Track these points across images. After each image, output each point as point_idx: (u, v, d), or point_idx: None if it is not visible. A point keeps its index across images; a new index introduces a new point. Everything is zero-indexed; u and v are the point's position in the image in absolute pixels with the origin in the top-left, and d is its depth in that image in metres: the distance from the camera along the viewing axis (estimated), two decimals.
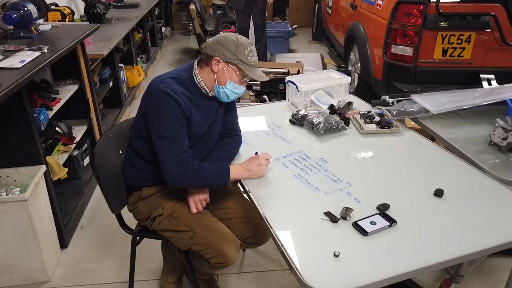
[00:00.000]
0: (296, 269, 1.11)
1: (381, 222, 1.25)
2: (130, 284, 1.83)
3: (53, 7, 3.23)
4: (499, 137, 1.70)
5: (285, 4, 7.15)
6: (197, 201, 1.55)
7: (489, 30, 2.87)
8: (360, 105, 2.15)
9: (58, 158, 2.30)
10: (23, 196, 1.82)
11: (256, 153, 1.55)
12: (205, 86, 1.53)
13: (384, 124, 1.86)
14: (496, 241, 1.20)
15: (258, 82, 3.35)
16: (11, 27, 2.37)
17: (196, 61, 1.56)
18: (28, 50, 2.10)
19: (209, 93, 1.55)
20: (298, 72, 3.61)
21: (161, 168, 1.47)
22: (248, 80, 1.56)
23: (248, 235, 1.63)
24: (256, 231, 1.64)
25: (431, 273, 2.06)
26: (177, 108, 1.44)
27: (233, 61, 1.47)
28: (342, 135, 1.85)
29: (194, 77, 1.53)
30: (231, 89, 1.52)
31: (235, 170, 1.51)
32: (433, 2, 2.81)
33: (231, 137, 1.69)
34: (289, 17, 7.02)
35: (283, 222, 1.30)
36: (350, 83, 3.99)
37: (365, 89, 3.69)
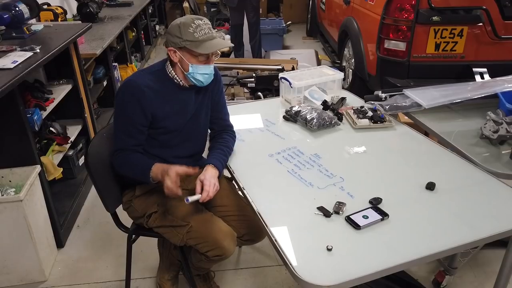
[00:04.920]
0: (290, 264, 1.12)
1: (373, 215, 1.27)
2: (126, 282, 1.83)
3: (45, 6, 3.21)
4: (490, 130, 1.71)
5: (279, 0, 7.14)
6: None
7: (481, 24, 2.88)
8: (353, 101, 2.16)
9: (52, 158, 2.30)
10: (18, 197, 1.82)
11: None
12: (176, 76, 1.54)
13: (377, 119, 1.87)
14: (487, 233, 1.22)
15: (253, 79, 3.34)
16: (2, 27, 2.36)
17: None
18: (20, 51, 2.09)
19: (181, 83, 1.55)
20: (293, 69, 3.60)
21: None
22: (213, 55, 1.51)
23: (244, 232, 1.64)
24: (252, 228, 1.64)
25: (425, 265, 2.08)
26: (136, 103, 1.46)
27: (182, 44, 1.45)
28: (336, 130, 1.86)
29: (166, 68, 1.55)
30: (197, 71, 1.50)
31: (155, 175, 1.47)
32: None
33: (227, 133, 1.71)
34: (283, 14, 7.01)
35: (277, 218, 1.31)
36: (345, 78, 4.04)
37: (359, 84, 3.70)
